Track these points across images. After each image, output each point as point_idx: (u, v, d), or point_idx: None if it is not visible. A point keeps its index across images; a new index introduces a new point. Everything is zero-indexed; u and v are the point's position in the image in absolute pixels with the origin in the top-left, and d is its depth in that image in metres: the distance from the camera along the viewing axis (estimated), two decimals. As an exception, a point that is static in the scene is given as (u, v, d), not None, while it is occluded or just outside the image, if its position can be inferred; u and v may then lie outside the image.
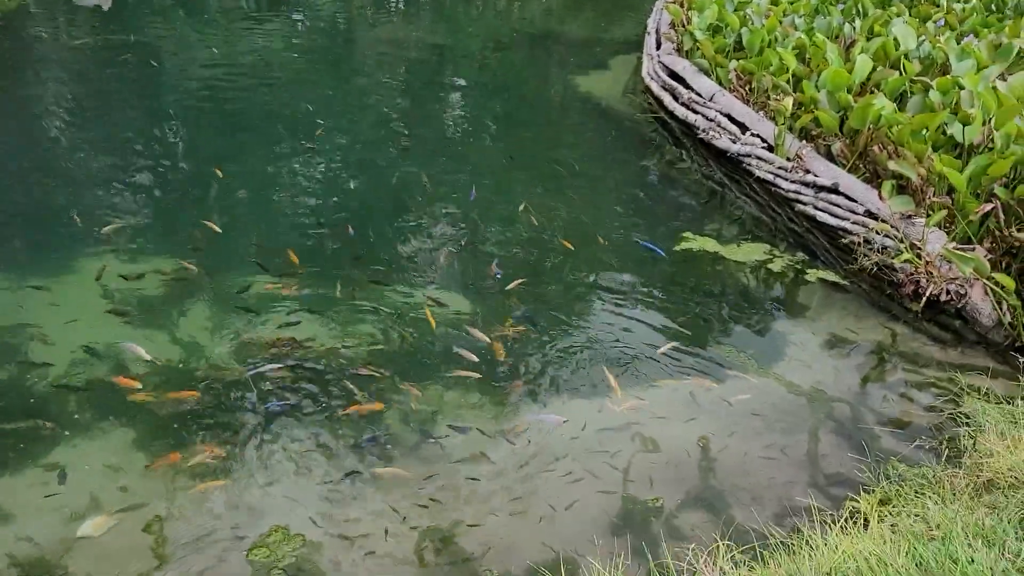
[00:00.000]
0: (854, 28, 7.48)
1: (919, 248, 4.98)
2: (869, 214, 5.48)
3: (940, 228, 5.13)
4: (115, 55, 8.38)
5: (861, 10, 7.88)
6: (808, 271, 5.36)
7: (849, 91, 6.23)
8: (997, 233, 4.96)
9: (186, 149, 6.42)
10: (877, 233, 5.25)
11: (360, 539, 3.14)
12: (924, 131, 5.49)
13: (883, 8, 7.96)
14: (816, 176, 5.96)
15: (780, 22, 7.67)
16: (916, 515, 3.11)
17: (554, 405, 3.96)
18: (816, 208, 5.86)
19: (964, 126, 5.34)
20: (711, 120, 7.28)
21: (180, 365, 3.96)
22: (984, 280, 4.70)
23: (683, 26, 8.82)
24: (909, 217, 5.22)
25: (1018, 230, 4.83)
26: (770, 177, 6.38)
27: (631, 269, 5.25)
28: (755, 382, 4.24)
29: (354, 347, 4.18)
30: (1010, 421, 3.79)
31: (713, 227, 5.89)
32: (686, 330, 4.63)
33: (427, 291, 4.73)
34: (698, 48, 7.99)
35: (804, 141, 6.39)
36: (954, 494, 3.21)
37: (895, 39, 6.73)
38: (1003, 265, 4.88)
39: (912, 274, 4.94)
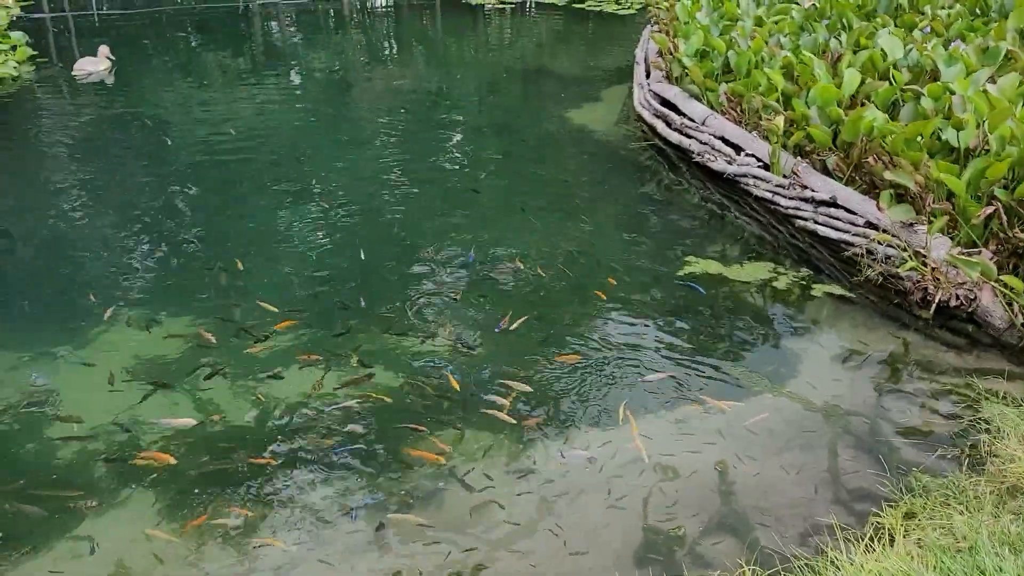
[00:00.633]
0: (840, 42, 7.55)
1: (924, 255, 4.97)
2: (870, 225, 5.48)
3: (943, 234, 5.12)
4: (122, 126, 8.56)
5: (846, 24, 7.95)
6: (814, 286, 5.34)
7: (839, 105, 6.27)
8: (1001, 235, 4.95)
9: (206, 222, 6.47)
10: (879, 243, 5.24)
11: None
12: (919, 138, 5.51)
13: (868, 20, 8.04)
14: (814, 191, 5.98)
15: (766, 42, 7.75)
16: (942, 527, 3.06)
17: (571, 436, 3.93)
18: (816, 223, 5.87)
19: (958, 131, 5.36)
20: (705, 144, 7.34)
21: (206, 430, 3.95)
22: (992, 283, 4.68)
23: (671, 53, 8.93)
24: (911, 225, 5.22)
25: (1022, 231, 4.81)
26: (768, 195, 6.41)
27: (638, 295, 5.25)
28: (770, 401, 4.21)
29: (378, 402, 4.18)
30: (1030, 424, 3.73)
31: (715, 249, 5.90)
32: (697, 353, 4.62)
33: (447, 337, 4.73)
34: (687, 74, 8.08)
35: (799, 157, 6.43)
36: (978, 502, 3.16)
37: (882, 50, 6.79)
38: (1010, 267, 4.86)
39: (919, 282, 4.92)
